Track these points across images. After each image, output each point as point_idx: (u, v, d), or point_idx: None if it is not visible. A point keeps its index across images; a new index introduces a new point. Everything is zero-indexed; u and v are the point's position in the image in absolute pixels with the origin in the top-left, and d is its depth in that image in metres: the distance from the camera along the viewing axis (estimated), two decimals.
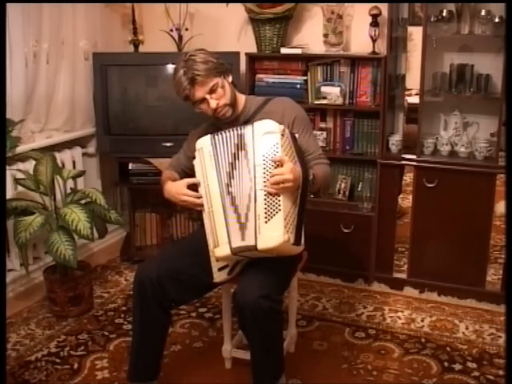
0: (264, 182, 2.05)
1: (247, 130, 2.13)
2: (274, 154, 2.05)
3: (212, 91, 2.21)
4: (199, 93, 2.20)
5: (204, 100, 2.22)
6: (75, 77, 3.41)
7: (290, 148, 2.13)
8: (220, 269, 2.25)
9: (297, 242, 2.12)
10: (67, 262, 2.77)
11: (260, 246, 2.05)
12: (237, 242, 2.10)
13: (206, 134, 2.26)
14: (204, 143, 2.20)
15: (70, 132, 3.45)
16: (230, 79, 2.29)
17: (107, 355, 2.71)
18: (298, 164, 2.11)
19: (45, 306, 3.12)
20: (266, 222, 2.04)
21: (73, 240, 2.83)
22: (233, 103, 2.28)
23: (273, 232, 2.03)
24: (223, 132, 2.18)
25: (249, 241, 2.07)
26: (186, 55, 2.23)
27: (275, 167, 2.05)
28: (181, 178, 2.37)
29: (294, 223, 2.10)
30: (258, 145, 2.09)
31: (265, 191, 2.05)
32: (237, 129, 2.15)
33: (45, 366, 2.62)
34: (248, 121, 2.27)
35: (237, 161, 2.13)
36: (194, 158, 2.23)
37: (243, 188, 2.10)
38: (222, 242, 2.12)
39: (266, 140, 2.08)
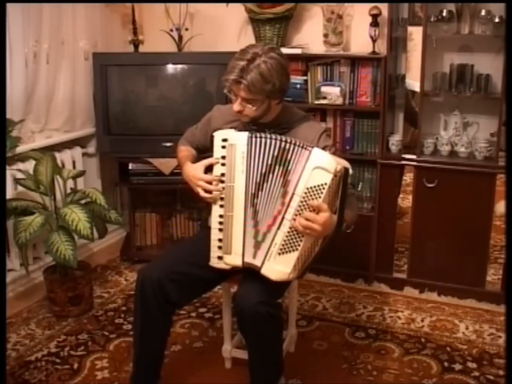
0: (296, 215, 1.97)
1: (301, 151, 1.98)
2: (319, 194, 1.94)
3: (246, 100, 2.07)
4: (236, 90, 2.07)
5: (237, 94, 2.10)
6: (75, 77, 3.40)
7: (337, 192, 2.00)
8: (220, 258, 2.17)
9: (297, 276, 2.12)
10: (67, 262, 2.77)
11: (263, 272, 2.06)
12: (249, 259, 2.09)
13: (231, 117, 2.18)
14: (239, 140, 2.05)
15: (70, 132, 3.45)
16: (277, 101, 2.14)
17: (107, 355, 2.71)
18: (338, 210, 2.00)
19: (45, 306, 3.12)
20: (279, 253, 2.02)
21: (73, 240, 2.83)
22: (255, 119, 2.16)
23: (281, 267, 2.02)
24: (263, 136, 2.03)
25: (257, 262, 2.07)
26: (265, 51, 2.04)
27: (311, 210, 1.95)
28: (197, 154, 2.34)
29: (305, 263, 2.07)
30: (306, 175, 1.96)
31: (292, 224, 1.98)
32: (280, 140, 2.02)
33: (45, 366, 2.62)
34: (281, 132, 2.13)
35: (270, 175, 2.02)
36: (212, 136, 2.13)
37: (269, 205, 2.03)
38: (235, 252, 2.10)
39: (316, 174, 1.94)
